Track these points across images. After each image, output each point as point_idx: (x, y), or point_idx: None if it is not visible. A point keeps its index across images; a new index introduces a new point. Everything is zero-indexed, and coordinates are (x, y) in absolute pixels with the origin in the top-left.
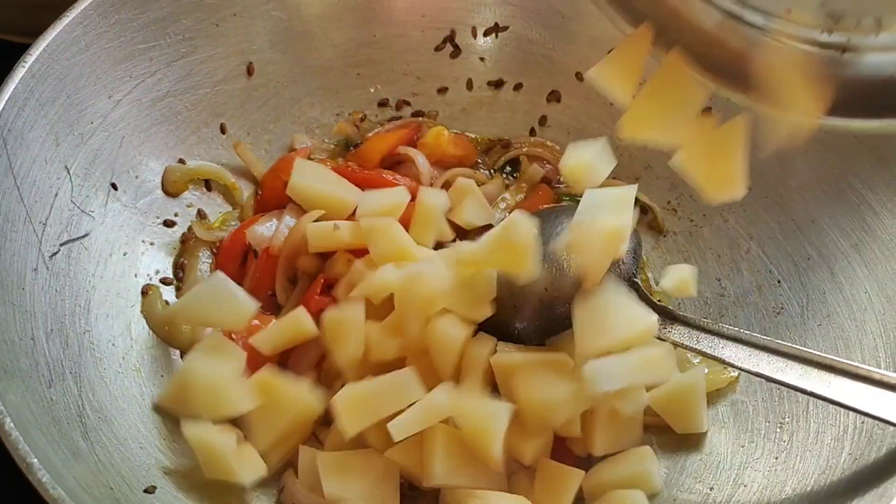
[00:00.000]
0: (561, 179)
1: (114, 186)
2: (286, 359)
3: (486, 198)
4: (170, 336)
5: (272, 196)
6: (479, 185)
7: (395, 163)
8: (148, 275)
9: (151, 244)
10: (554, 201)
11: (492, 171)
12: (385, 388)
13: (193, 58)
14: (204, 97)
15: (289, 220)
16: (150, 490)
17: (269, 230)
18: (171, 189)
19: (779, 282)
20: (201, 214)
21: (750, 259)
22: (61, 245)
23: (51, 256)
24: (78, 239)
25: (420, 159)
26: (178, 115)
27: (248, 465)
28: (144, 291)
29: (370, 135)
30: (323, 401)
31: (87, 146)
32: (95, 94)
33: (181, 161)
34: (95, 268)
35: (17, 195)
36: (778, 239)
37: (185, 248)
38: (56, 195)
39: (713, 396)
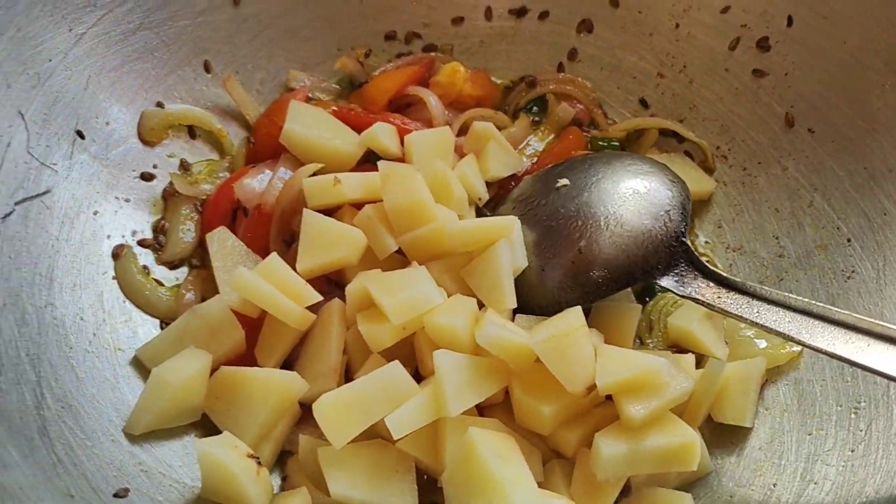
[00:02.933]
0: (594, 121)
1: (80, 135)
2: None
3: (511, 142)
4: (147, 303)
5: (266, 144)
6: (500, 130)
7: (404, 105)
8: (123, 236)
9: (126, 201)
10: (586, 146)
11: (515, 112)
12: (372, 391)
13: None
14: (184, 30)
15: (283, 172)
16: (121, 494)
17: (260, 184)
18: (148, 137)
19: (849, 240)
20: (184, 166)
21: (814, 213)
22: (16, 204)
23: (3, 218)
24: (37, 196)
25: (433, 100)
26: (154, 51)
27: (262, 492)
28: (116, 254)
29: (376, 73)
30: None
31: (44, 88)
32: (53, 25)
33: (159, 105)
34: (59, 230)
35: None
36: (847, 190)
37: (167, 205)
38: (9, 145)
39: (773, 374)
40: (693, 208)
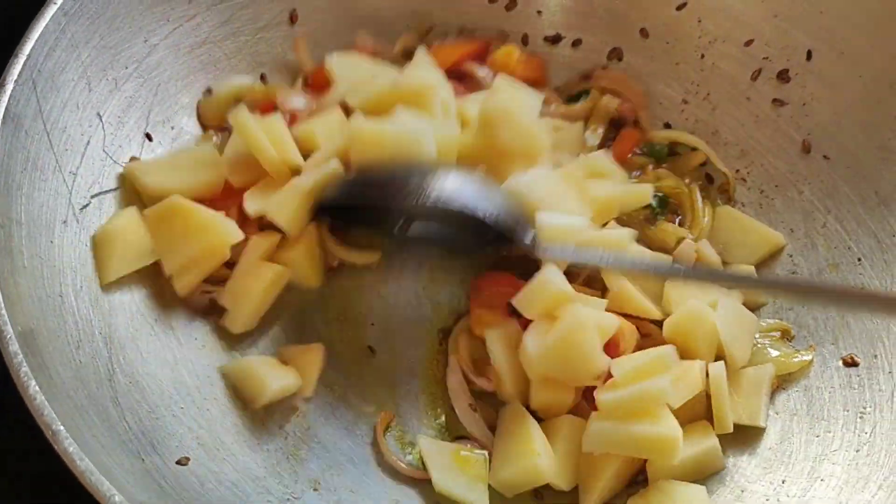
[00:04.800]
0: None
1: (148, 137)
2: None
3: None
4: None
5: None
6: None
7: (457, 77)
8: None
9: None
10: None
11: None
12: None
13: (235, 1)
14: (244, 45)
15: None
16: (182, 462)
17: (298, 102)
18: (210, 122)
19: (859, 259)
20: None
21: (826, 234)
22: (92, 197)
23: (81, 209)
24: (110, 191)
25: (485, 72)
26: (217, 63)
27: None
28: None
29: (436, 43)
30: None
31: (120, 92)
32: (130, 36)
33: (208, 91)
34: None
35: (46, 142)
36: (859, 213)
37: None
38: (88, 144)
39: (784, 381)
40: (765, 261)
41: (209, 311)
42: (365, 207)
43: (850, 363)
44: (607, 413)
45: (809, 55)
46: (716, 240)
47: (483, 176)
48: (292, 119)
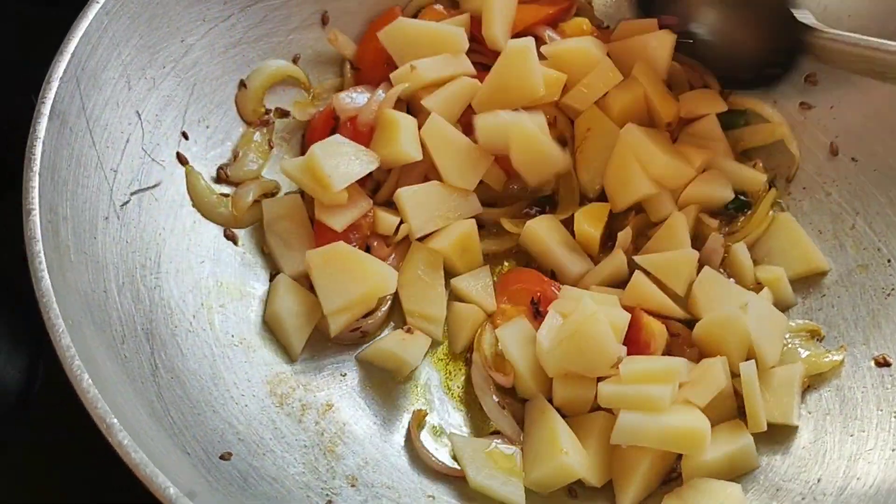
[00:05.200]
0: None
1: (184, 136)
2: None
3: None
4: (211, 209)
5: (370, 68)
6: None
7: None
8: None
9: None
10: None
11: None
12: None
13: (268, 3)
14: (278, 45)
15: (381, 94)
16: (225, 457)
17: (356, 101)
18: (251, 117)
19: (889, 261)
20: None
21: (855, 236)
22: (132, 194)
23: (122, 205)
24: (149, 188)
25: (551, 34)
26: (251, 63)
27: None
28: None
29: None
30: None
31: (158, 91)
32: (168, 36)
33: (243, 85)
34: (166, 220)
35: (89, 139)
36: (888, 215)
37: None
38: (128, 141)
39: (816, 381)
40: (801, 279)
41: (359, 342)
42: None
43: (883, 363)
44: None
45: None
46: (763, 243)
47: None
48: (353, 125)
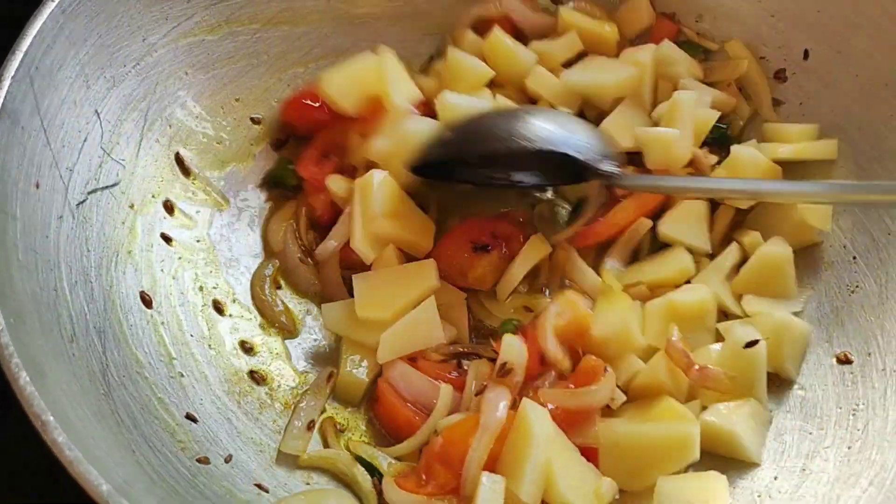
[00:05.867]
0: None
1: (145, 134)
2: None
3: None
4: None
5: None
6: None
7: None
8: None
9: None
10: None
11: None
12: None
13: (233, 1)
14: (243, 44)
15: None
16: (176, 455)
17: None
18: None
19: (854, 258)
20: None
21: (822, 233)
22: (89, 193)
23: (78, 204)
24: (107, 188)
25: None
26: (215, 62)
27: None
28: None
29: None
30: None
31: (118, 90)
32: (129, 35)
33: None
34: (125, 218)
35: (43, 139)
36: (854, 212)
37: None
38: (85, 140)
39: (776, 378)
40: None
41: None
42: (462, 161)
43: (844, 360)
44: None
45: (806, 54)
46: (758, 213)
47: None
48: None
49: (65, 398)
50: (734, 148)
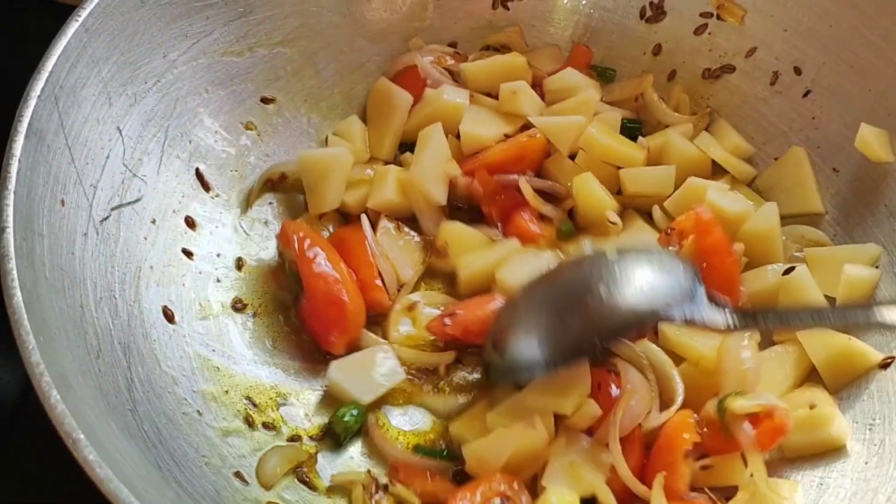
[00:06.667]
0: None
1: (166, 150)
2: None
3: None
4: None
5: None
6: None
7: None
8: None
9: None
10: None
11: None
12: None
13: (251, 18)
14: (261, 59)
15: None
16: (201, 470)
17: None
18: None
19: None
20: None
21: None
22: (112, 209)
23: (101, 221)
24: (129, 203)
25: None
26: (235, 78)
27: None
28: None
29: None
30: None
31: (140, 107)
32: (150, 52)
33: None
34: (147, 234)
35: (68, 156)
36: (868, 226)
37: None
38: (108, 157)
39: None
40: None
41: None
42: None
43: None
44: None
45: (819, 69)
46: (770, 175)
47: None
48: None
49: (92, 414)
50: (669, 130)
